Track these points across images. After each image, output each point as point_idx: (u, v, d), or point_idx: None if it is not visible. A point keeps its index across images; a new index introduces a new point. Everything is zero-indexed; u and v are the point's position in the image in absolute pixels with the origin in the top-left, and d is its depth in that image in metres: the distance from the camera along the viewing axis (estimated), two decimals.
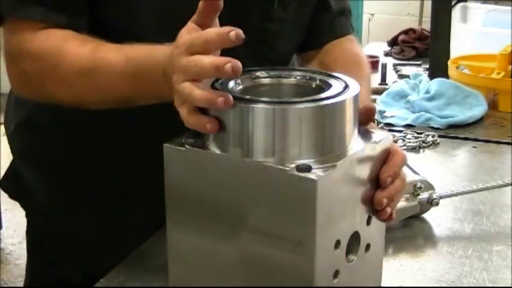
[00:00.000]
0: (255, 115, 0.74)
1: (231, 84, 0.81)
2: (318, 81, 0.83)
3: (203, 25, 0.81)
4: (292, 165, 0.72)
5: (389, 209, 0.83)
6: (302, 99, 0.75)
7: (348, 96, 0.77)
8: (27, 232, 1.24)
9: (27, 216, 1.23)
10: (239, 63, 0.74)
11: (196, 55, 0.78)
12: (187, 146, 0.78)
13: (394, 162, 0.84)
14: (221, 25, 1.00)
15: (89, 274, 1.05)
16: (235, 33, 0.76)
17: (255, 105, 0.74)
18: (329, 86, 0.80)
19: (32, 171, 1.15)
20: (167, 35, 0.89)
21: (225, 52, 0.90)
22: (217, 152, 0.77)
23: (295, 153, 0.73)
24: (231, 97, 0.75)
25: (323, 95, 0.77)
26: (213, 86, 0.79)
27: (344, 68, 1.02)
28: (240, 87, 0.82)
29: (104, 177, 1.11)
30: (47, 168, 1.13)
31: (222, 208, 0.77)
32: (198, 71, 0.77)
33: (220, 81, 0.81)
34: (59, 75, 0.94)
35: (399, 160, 0.84)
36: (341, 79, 0.81)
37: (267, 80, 0.85)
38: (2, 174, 1.24)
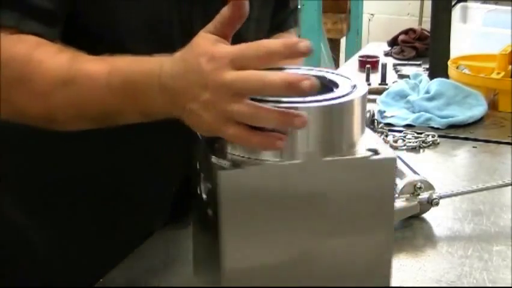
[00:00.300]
0: None
1: None
2: (325, 81, 0.82)
3: (224, 36, 0.75)
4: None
5: None
6: (310, 99, 0.75)
7: (356, 96, 0.76)
8: None
9: None
10: (316, 81, 0.69)
11: (249, 70, 0.70)
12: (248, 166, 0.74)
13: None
14: (193, 27, 0.99)
15: None
16: (306, 45, 0.69)
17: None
18: (336, 85, 0.80)
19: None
20: (154, 45, 0.86)
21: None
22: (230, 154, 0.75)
23: (302, 153, 0.73)
24: (305, 116, 0.69)
25: (331, 95, 0.76)
26: None
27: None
28: None
29: (79, 197, 1.05)
30: (16, 189, 1.06)
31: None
32: (259, 88, 0.69)
33: None
34: (30, 85, 0.83)
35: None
36: (349, 78, 0.81)
37: None
38: None
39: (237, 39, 1.07)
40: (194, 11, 0.99)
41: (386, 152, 0.76)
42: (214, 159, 0.74)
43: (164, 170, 1.07)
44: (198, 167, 0.82)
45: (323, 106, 0.74)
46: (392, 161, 0.75)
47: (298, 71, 0.85)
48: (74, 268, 1.06)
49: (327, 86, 0.81)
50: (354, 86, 0.78)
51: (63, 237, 1.07)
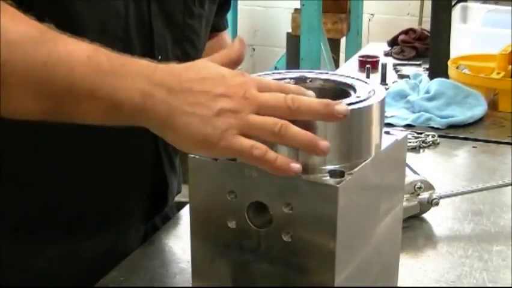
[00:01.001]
0: None
1: None
2: (343, 85, 0.82)
3: None
4: (321, 170, 0.72)
5: None
6: None
7: (374, 100, 0.75)
8: None
9: None
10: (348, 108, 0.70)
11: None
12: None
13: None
14: (154, 22, 0.98)
15: None
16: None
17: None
18: (354, 90, 0.79)
19: None
20: (111, 41, 0.82)
21: (148, 47, 0.85)
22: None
23: (320, 158, 0.72)
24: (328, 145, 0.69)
25: (349, 100, 0.75)
26: None
27: None
28: None
29: (53, 214, 0.99)
30: None
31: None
32: (301, 112, 0.69)
33: None
34: None
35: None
36: (367, 83, 0.81)
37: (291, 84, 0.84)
38: None
39: (195, 36, 1.08)
40: (152, 8, 0.99)
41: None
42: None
43: (133, 173, 1.06)
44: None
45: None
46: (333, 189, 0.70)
47: (312, 74, 0.84)
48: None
49: (345, 90, 0.80)
50: (372, 91, 0.78)
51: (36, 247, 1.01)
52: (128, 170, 1.04)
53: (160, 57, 0.99)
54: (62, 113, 0.72)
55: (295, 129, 0.69)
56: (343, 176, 0.70)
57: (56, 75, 0.69)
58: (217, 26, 1.24)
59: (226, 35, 1.29)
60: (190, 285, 0.82)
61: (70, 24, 0.80)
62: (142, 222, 1.10)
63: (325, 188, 0.69)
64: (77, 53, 0.70)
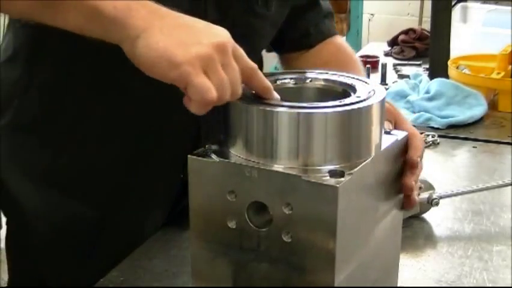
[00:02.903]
0: (280, 120, 0.72)
1: None
2: (343, 85, 0.82)
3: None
4: (321, 170, 0.72)
5: (416, 195, 0.84)
6: (328, 103, 0.74)
7: (374, 100, 0.75)
8: (7, 243, 1.13)
9: (8, 223, 1.13)
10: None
11: None
12: (211, 155, 0.76)
13: (417, 146, 0.84)
14: (206, 16, 0.99)
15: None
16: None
17: (280, 110, 0.72)
18: (355, 90, 0.79)
19: (16, 175, 1.08)
20: None
21: None
22: (242, 158, 0.75)
23: (320, 158, 0.72)
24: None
25: (349, 100, 0.75)
26: None
27: (338, 67, 1.01)
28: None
29: (93, 180, 1.05)
30: (33, 173, 1.06)
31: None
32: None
33: (243, 85, 0.79)
34: None
35: (419, 143, 0.84)
36: (367, 82, 0.81)
37: (291, 84, 0.84)
38: None
39: (254, 35, 1.08)
40: (208, 11, 0.99)
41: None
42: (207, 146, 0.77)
43: (167, 162, 1.07)
44: None
45: (340, 111, 0.73)
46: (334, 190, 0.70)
47: (312, 74, 0.84)
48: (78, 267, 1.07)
49: (345, 90, 0.80)
50: (372, 91, 0.78)
51: (60, 232, 1.07)
52: (165, 150, 1.05)
53: None
54: (45, 13, 0.75)
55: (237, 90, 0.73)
56: (343, 176, 0.70)
57: None
58: (325, 33, 1.22)
59: (339, 39, 1.26)
60: (190, 285, 0.82)
61: None
62: (170, 204, 1.11)
63: (325, 188, 0.69)
64: None
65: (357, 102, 0.74)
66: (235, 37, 1.04)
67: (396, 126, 0.90)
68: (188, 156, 0.76)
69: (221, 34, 0.74)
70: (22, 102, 1.04)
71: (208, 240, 0.78)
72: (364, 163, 0.74)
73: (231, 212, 0.75)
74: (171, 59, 0.70)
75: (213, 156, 0.76)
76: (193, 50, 0.70)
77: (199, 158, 0.75)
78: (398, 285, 0.92)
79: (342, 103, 0.74)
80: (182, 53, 0.70)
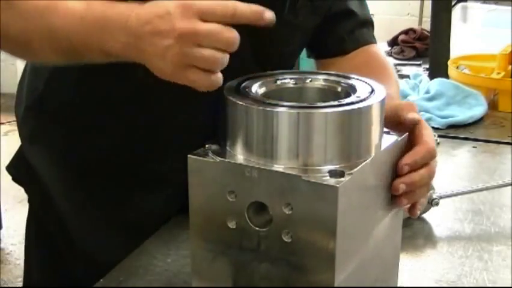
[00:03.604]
0: (280, 120, 0.72)
1: (255, 87, 0.80)
2: (343, 85, 0.81)
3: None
4: (321, 170, 0.72)
5: (405, 200, 0.83)
6: (328, 103, 0.74)
7: (374, 101, 0.75)
8: (28, 219, 1.21)
9: (30, 200, 1.21)
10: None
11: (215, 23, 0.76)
12: (211, 156, 0.76)
13: (416, 152, 0.83)
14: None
15: (93, 264, 1.05)
16: (271, 15, 0.77)
17: (280, 110, 0.72)
18: (355, 90, 0.79)
19: (40, 155, 1.14)
20: None
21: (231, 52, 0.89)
22: (241, 157, 0.75)
23: (320, 158, 0.72)
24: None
25: (349, 100, 0.75)
26: (237, 90, 0.78)
27: (370, 74, 1.01)
28: (264, 90, 0.81)
29: (115, 165, 1.09)
30: (56, 154, 1.12)
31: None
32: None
33: (243, 85, 0.79)
34: (14, 7, 0.90)
35: (422, 151, 0.83)
36: (367, 83, 0.81)
37: (291, 84, 0.84)
38: (2, 174, 1.23)
39: (282, 43, 1.09)
40: None
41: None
42: (207, 146, 0.78)
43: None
44: None
45: (340, 111, 0.73)
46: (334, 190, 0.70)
47: (312, 74, 0.84)
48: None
49: (345, 90, 0.80)
50: (372, 91, 0.77)
51: (81, 211, 1.12)
52: (182, 139, 1.05)
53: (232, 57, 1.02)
54: (75, 60, 0.90)
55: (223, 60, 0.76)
56: (343, 176, 0.70)
57: (59, 39, 0.87)
58: (360, 40, 1.25)
59: (375, 47, 1.28)
60: (190, 285, 0.82)
61: None
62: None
63: (325, 188, 0.69)
64: (72, 18, 0.86)
65: (357, 102, 0.74)
66: (259, 45, 1.06)
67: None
68: (188, 156, 0.76)
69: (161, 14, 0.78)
70: (46, 88, 1.09)
71: (208, 240, 0.78)
72: (364, 163, 0.74)
73: (231, 212, 0.75)
74: (165, 75, 0.80)
75: (213, 156, 0.76)
76: (169, 57, 0.77)
77: (199, 157, 0.76)
78: (398, 285, 0.92)
79: (342, 103, 0.74)
80: (168, 71, 0.79)
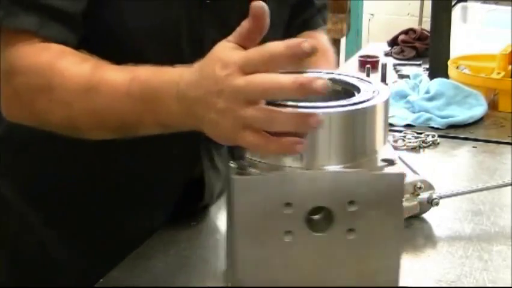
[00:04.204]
0: None
1: None
2: (347, 85, 0.81)
3: (244, 48, 0.74)
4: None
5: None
6: (332, 103, 0.74)
7: (379, 101, 0.75)
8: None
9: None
10: (328, 81, 0.69)
11: (257, 74, 0.70)
12: (255, 171, 0.73)
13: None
14: (206, 30, 0.98)
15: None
16: (309, 44, 0.69)
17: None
18: (358, 90, 0.78)
19: (9, 189, 1.07)
20: (163, 49, 0.90)
21: (199, 55, 0.88)
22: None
23: (324, 158, 0.72)
24: (320, 115, 0.69)
25: (353, 100, 0.75)
26: None
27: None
28: None
29: (85, 196, 1.06)
30: (25, 187, 1.07)
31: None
32: (271, 91, 0.69)
33: None
34: (53, 93, 0.85)
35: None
36: (371, 83, 0.80)
37: None
38: None
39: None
40: (204, 16, 0.98)
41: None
42: (232, 163, 0.74)
43: (169, 170, 1.07)
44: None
45: (344, 111, 0.73)
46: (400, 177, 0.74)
47: (318, 74, 0.84)
48: (75, 267, 1.08)
49: (349, 90, 0.80)
50: (376, 91, 0.77)
51: (66, 236, 1.08)
52: (165, 164, 1.05)
53: None
54: (126, 134, 0.86)
55: (282, 112, 0.70)
56: (394, 164, 0.72)
57: (107, 116, 0.84)
58: (306, 24, 1.24)
59: (320, 34, 1.27)
60: (190, 285, 0.82)
61: (119, 31, 0.92)
62: (170, 215, 1.10)
63: (392, 177, 0.71)
64: (118, 94, 0.82)
65: (362, 102, 0.74)
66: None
67: None
68: (233, 177, 0.73)
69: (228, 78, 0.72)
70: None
71: (260, 261, 0.75)
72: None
73: (288, 225, 0.73)
74: (227, 142, 0.75)
75: (259, 171, 0.73)
76: (223, 125, 0.72)
77: (246, 176, 0.72)
78: (398, 285, 0.92)
79: (347, 103, 0.74)
80: (223, 133, 0.73)
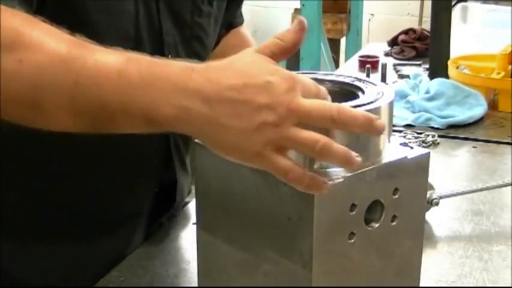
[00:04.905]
0: None
1: None
2: (351, 87, 0.81)
3: (276, 61, 0.68)
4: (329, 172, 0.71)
5: None
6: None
7: (383, 103, 0.75)
8: None
9: None
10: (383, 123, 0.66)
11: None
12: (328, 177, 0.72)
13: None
14: (160, 19, 0.98)
15: None
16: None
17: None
18: (363, 91, 0.78)
19: None
20: (118, 38, 0.88)
21: (158, 47, 0.85)
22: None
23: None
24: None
25: (356, 102, 0.75)
26: None
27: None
28: None
29: (64, 194, 1.00)
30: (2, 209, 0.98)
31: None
32: (343, 122, 0.64)
33: None
34: (25, 53, 0.68)
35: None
36: (375, 84, 0.80)
37: None
38: None
39: (204, 35, 1.07)
40: (161, 6, 0.99)
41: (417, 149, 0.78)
42: None
43: (143, 171, 1.06)
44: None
45: None
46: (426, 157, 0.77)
47: (320, 75, 0.83)
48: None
49: (353, 92, 0.80)
50: (381, 92, 0.77)
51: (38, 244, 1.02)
52: (138, 168, 1.04)
53: (170, 55, 1.00)
54: (100, 127, 0.71)
55: (334, 148, 0.64)
56: (412, 147, 0.77)
57: (87, 94, 0.68)
58: (233, 22, 1.24)
59: (244, 29, 1.27)
60: (191, 285, 0.82)
61: (80, 26, 0.75)
62: (149, 220, 1.10)
63: (423, 158, 0.76)
64: (107, 70, 0.68)
65: (366, 104, 0.74)
66: (191, 40, 1.05)
67: None
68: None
69: (280, 89, 0.64)
70: None
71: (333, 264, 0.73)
72: None
73: (354, 227, 0.72)
74: (243, 156, 0.65)
75: (332, 176, 0.70)
76: (259, 137, 0.63)
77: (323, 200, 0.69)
78: None
79: (352, 105, 0.73)
80: (249, 146, 0.64)
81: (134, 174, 1.04)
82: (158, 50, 0.98)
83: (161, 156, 1.06)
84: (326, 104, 0.65)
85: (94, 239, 1.03)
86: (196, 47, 1.07)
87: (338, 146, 0.64)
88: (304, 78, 0.66)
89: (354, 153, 0.65)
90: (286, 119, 0.63)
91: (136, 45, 0.94)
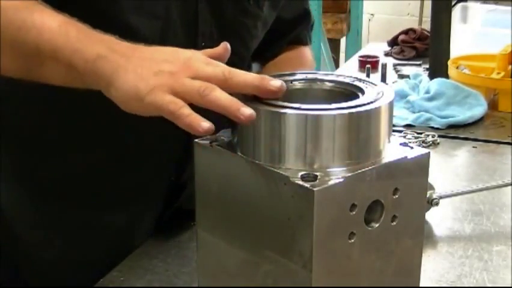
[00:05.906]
0: (287, 122, 0.71)
1: None
2: (351, 87, 0.81)
3: None
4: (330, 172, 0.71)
5: None
6: (336, 106, 0.73)
7: (383, 103, 0.75)
8: None
9: None
10: (284, 84, 0.71)
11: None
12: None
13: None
14: (198, 16, 0.98)
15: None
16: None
17: (287, 112, 0.71)
18: (363, 92, 0.78)
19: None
20: (144, 15, 0.90)
21: (192, 35, 0.87)
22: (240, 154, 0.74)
23: (327, 160, 0.72)
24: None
25: (356, 102, 0.74)
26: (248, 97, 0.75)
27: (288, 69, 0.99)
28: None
29: (79, 183, 1.03)
30: (16, 177, 1.04)
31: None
32: (236, 83, 0.71)
33: None
34: None
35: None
36: (375, 84, 0.80)
37: (298, 85, 0.82)
38: None
39: (247, 35, 1.08)
40: None
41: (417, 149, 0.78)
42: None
43: (158, 165, 1.06)
44: None
45: (348, 113, 0.72)
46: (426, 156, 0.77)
47: (320, 75, 0.84)
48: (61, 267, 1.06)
49: (353, 92, 0.80)
50: (381, 93, 0.77)
51: (54, 235, 1.06)
52: (157, 153, 1.05)
53: (203, 44, 0.99)
54: (31, 71, 0.81)
55: (219, 92, 0.70)
56: (407, 145, 0.77)
57: (27, 38, 0.78)
58: (298, 39, 1.26)
59: (308, 50, 1.28)
60: (191, 285, 0.82)
61: (112, 10, 0.89)
62: (160, 207, 1.10)
63: (423, 157, 0.76)
64: (49, 22, 0.79)
65: (366, 104, 0.74)
66: (230, 36, 1.05)
67: None
68: (316, 190, 0.68)
69: (184, 55, 0.75)
70: (1, 109, 1.01)
71: (331, 269, 0.73)
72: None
73: (353, 227, 0.72)
74: (137, 95, 0.72)
75: (333, 177, 0.70)
76: (153, 80, 0.72)
77: (324, 186, 0.69)
78: None
79: (352, 105, 0.73)
80: (144, 85, 0.72)
81: (152, 157, 1.05)
82: (192, 36, 0.99)
83: (181, 145, 1.06)
84: (219, 68, 0.73)
85: (108, 211, 1.05)
86: (236, 45, 1.06)
87: (224, 93, 0.70)
88: (213, 61, 0.74)
89: (243, 105, 0.69)
90: (181, 71, 0.72)
91: (164, 24, 0.95)
